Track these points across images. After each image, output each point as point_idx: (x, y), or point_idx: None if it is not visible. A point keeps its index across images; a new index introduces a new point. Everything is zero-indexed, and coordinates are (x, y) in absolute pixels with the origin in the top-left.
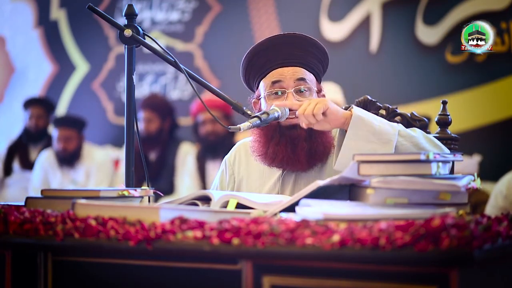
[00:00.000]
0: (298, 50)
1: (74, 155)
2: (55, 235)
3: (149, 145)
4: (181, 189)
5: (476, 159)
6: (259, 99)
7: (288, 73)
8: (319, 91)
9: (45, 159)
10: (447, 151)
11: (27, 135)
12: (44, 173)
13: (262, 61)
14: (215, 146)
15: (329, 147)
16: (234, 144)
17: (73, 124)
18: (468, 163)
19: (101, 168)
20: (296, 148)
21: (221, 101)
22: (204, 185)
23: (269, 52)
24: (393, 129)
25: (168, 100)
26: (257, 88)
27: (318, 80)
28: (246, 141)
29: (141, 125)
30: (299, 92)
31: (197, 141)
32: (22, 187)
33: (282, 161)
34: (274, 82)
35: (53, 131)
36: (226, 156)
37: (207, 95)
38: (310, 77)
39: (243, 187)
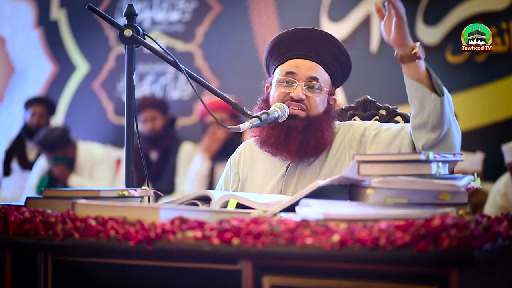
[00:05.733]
0: (320, 46)
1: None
2: (55, 235)
3: (151, 145)
4: (183, 189)
5: (479, 156)
6: (271, 84)
7: (303, 67)
8: (331, 93)
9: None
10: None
11: (26, 131)
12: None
13: (283, 49)
14: (223, 147)
15: (323, 143)
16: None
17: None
18: (473, 160)
19: (104, 168)
20: (289, 137)
21: None
22: (211, 186)
23: (292, 42)
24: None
25: (159, 97)
26: (273, 73)
27: (334, 83)
28: (251, 140)
29: (146, 125)
30: (308, 87)
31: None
32: (20, 187)
33: (272, 145)
34: (288, 72)
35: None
36: (231, 156)
37: (212, 96)
38: (324, 77)
39: (247, 186)
